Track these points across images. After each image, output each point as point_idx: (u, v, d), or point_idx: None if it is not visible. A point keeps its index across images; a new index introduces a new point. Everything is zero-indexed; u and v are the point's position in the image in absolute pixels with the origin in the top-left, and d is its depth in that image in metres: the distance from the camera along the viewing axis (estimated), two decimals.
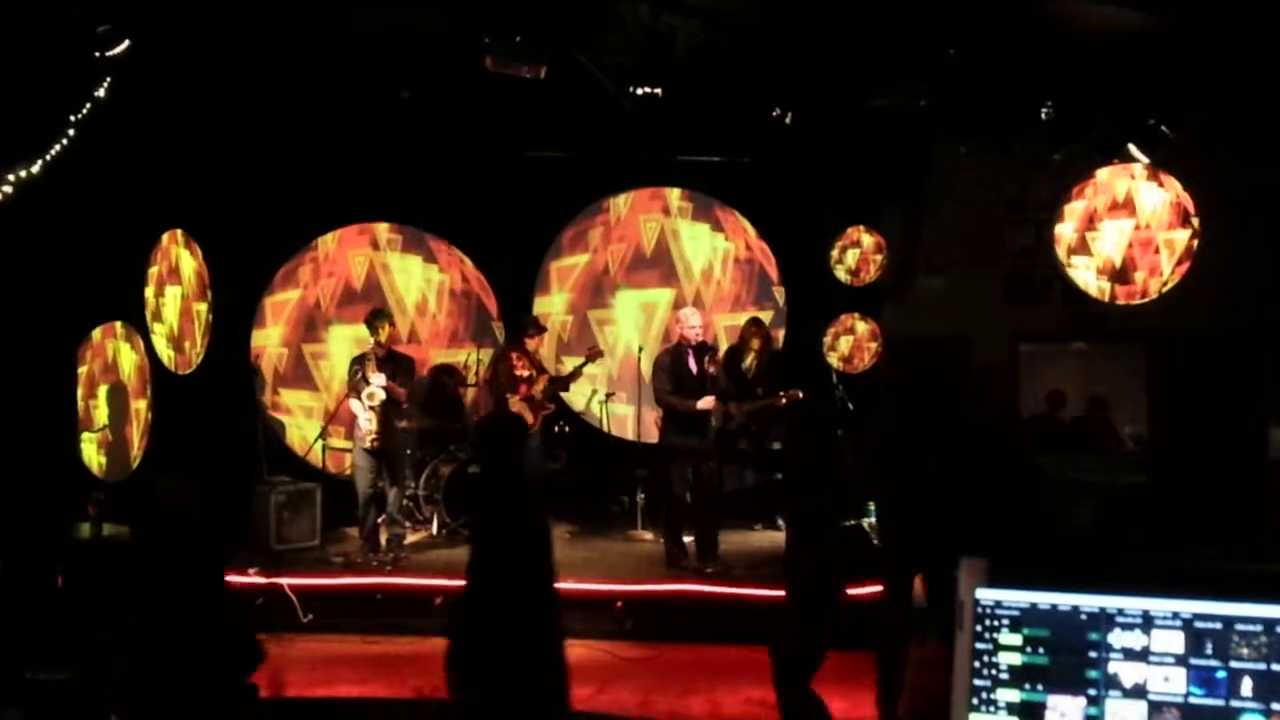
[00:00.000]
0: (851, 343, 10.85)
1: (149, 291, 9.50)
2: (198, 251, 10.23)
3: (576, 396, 11.51)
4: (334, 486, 9.98)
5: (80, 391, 8.64)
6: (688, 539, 9.07)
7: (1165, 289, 8.43)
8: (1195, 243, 8.29)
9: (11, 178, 7.17)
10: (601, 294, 11.98)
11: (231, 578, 8.49)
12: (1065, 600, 2.04)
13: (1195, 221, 8.28)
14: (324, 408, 11.19)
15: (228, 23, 7.65)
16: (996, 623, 2.07)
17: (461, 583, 5.55)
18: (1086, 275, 8.57)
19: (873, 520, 6.92)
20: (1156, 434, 10.98)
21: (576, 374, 10.32)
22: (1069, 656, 2.02)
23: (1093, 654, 2.01)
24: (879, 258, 10.76)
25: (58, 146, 7.39)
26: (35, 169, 7.28)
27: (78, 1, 7.03)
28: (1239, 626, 1.94)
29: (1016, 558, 2.12)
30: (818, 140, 9.79)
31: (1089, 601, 2.03)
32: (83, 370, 8.70)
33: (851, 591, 5.91)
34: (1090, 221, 8.51)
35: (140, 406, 9.41)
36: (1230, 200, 9.52)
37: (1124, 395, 11.32)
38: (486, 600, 5.31)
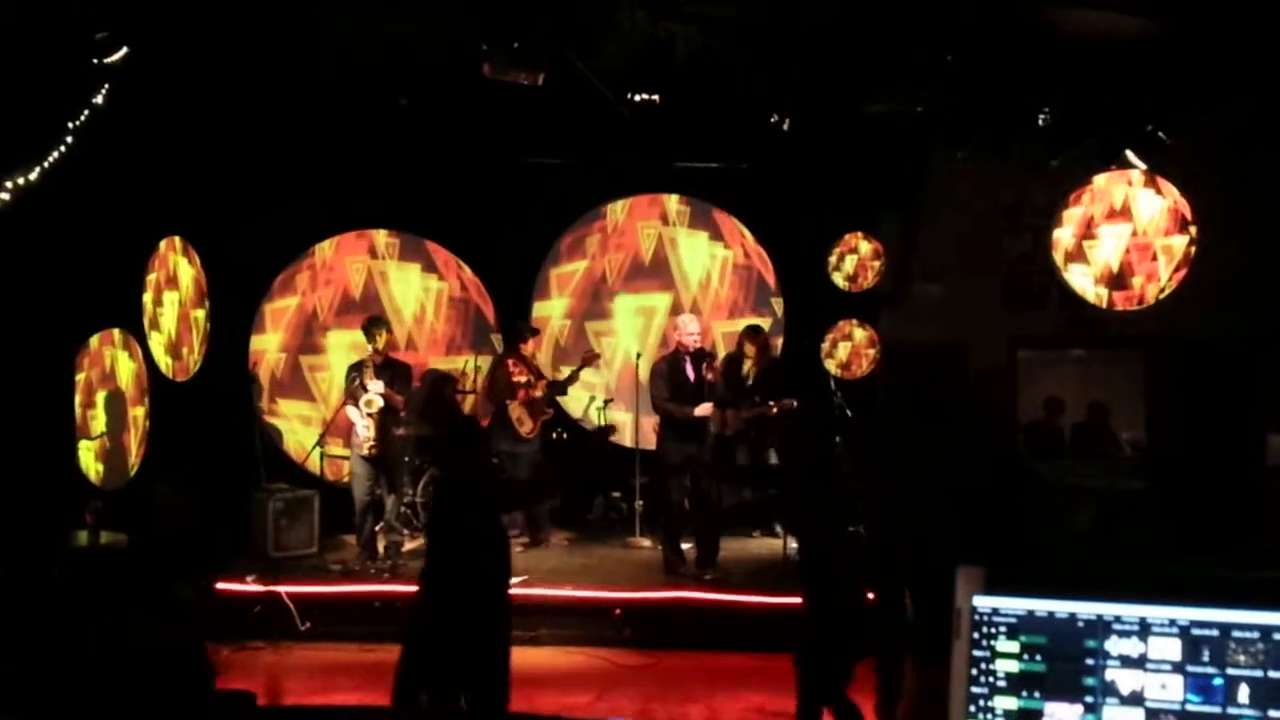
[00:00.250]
0: (849, 349, 10.86)
1: (147, 298, 9.50)
2: (195, 258, 10.24)
3: (574, 404, 11.51)
4: (332, 494, 9.97)
5: (78, 399, 8.63)
6: (686, 546, 9.06)
7: (1163, 295, 8.44)
8: (1193, 249, 8.30)
9: (10, 184, 7.17)
10: (600, 302, 11.98)
11: (228, 585, 8.52)
12: (1062, 607, 2.04)
13: (1193, 228, 8.29)
14: (322, 418, 11.19)
15: (226, 30, 7.66)
16: (994, 630, 2.06)
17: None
18: (1084, 281, 8.58)
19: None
20: (1154, 440, 10.97)
21: (574, 378, 10.33)
22: (1066, 664, 2.02)
23: (1090, 661, 2.01)
24: (877, 264, 10.77)
25: (56, 153, 7.39)
26: (33, 176, 7.28)
27: (76, 8, 7.03)
28: (1236, 633, 1.93)
29: (1014, 565, 2.12)
30: (815, 146, 9.80)
31: (1086, 609, 2.02)
32: (80, 377, 8.69)
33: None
34: (1088, 228, 8.52)
35: (138, 414, 9.40)
36: (1228, 206, 9.54)
37: (1122, 401, 11.31)
38: (441, 606, 5.32)
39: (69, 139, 7.42)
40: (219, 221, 10.18)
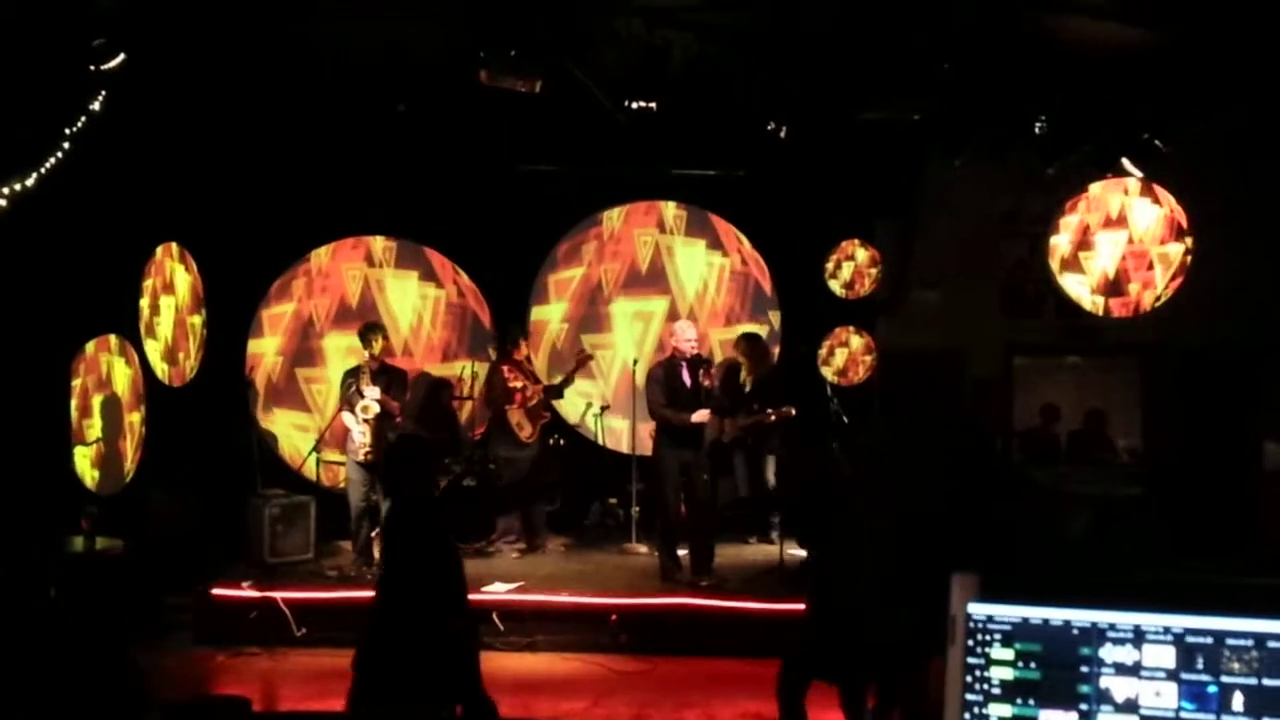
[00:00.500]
0: (846, 356, 10.87)
1: (144, 304, 9.51)
2: (192, 264, 10.24)
3: (571, 410, 11.51)
4: (328, 499, 9.96)
5: (74, 404, 8.63)
6: (682, 552, 9.05)
7: (1159, 303, 8.46)
8: (1189, 257, 8.32)
9: (7, 190, 7.17)
10: (597, 308, 11.96)
11: (224, 591, 8.51)
12: (1057, 615, 2.04)
13: (1189, 236, 8.31)
14: (317, 427, 11.16)
15: (222, 36, 7.66)
16: (988, 637, 2.06)
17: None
18: (1081, 289, 8.60)
19: None
20: (1151, 447, 10.98)
21: (568, 380, 10.32)
22: (1061, 671, 2.02)
23: (1084, 669, 2.01)
24: (874, 271, 10.78)
25: (52, 159, 7.39)
26: (30, 182, 7.29)
27: (74, 14, 7.04)
28: (1230, 641, 1.94)
29: (1009, 572, 2.12)
30: (812, 154, 9.81)
31: (1080, 616, 2.02)
32: (76, 383, 8.69)
33: None
34: (1084, 235, 8.54)
35: (134, 420, 9.39)
36: (1224, 214, 9.56)
37: (1119, 409, 11.32)
38: (394, 617, 5.33)
39: (66, 145, 7.42)
40: (216, 228, 10.18)
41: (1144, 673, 1.98)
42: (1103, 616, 2.01)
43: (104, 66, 7.18)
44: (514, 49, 7.57)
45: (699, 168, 11.29)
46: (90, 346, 8.90)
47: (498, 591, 8.42)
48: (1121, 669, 1.99)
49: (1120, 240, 8.47)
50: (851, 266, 10.81)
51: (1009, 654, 2.05)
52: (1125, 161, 8.45)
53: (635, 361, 10.91)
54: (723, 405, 9.47)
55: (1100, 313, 8.66)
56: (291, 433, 11.43)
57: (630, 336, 11.88)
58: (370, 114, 9.31)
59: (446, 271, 11.91)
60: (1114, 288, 8.49)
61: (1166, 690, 1.96)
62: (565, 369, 10.52)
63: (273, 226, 10.87)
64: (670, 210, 11.99)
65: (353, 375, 9.32)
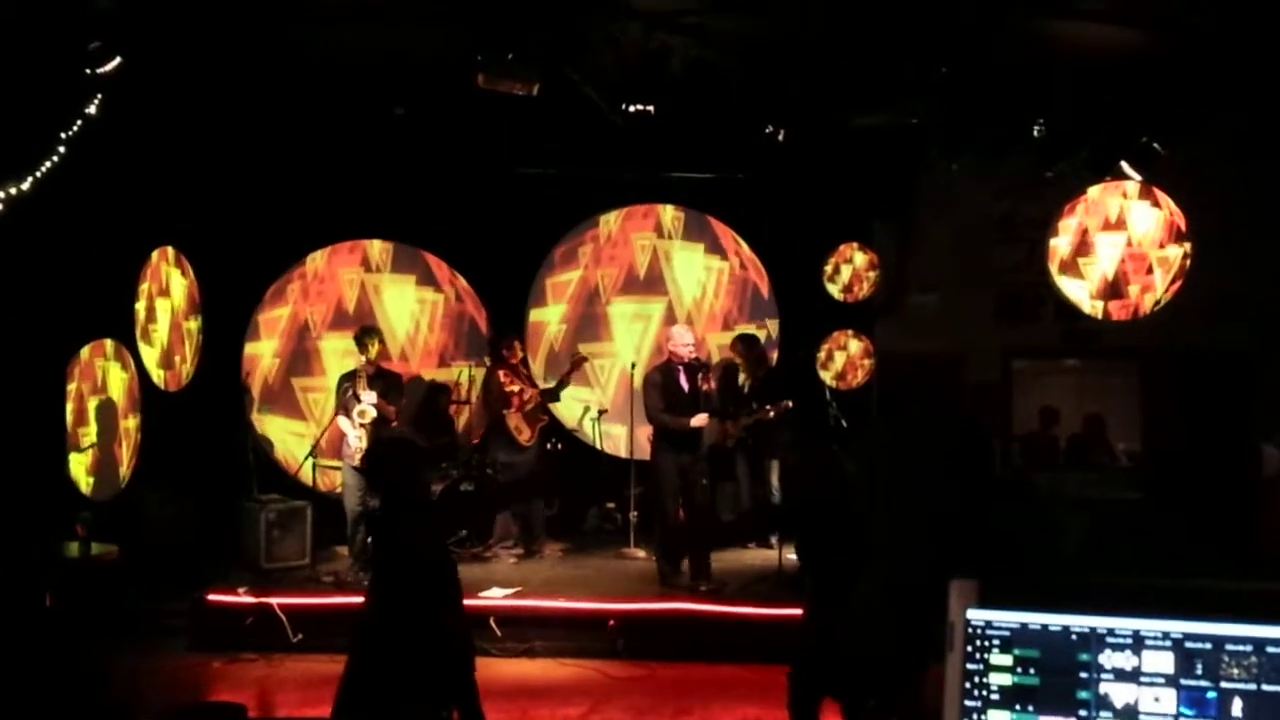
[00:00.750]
0: (845, 359, 10.86)
1: (139, 307, 9.50)
2: (188, 269, 10.23)
3: (568, 414, 11.50)
4: (324, 505, 9.94)
5: (69, 407, 8.61)
6: (680, 557, 9.04)
7: (1158, 306, 8.45)
8: (1188, 260, 8.31)
9: (2, 194, 7.16)
10: (594, 317, 11.94)
11: (220, 597, 8.49)
12: (1056, 620, 2.02)
13: (1188, 239, 8.30)
14: (314, 435, 11.14)
15: (219, 40, 7.65)
16: (987, 643, 2.05)
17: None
18: (1079, 292, 8.59)
19: None
20: (1150, 451, 10.98)
21: (564, 383, 10.33)
22: (1060, 677, 2.00)
23: (1083, 674, 1.99)
24: (872, 275, 10.78)
25: (48, 163, 7.38)
26: (25, 186, 7.27)
27: (69, 18, 7.03)
28: (1229, 647, 1.92)
29: (1007, 578, 2.11)
30: (810, 157, 9.81)
31: (1079, 622, 2.01)
32: (71, 388, 8.68)
33: None
34: (1083, 239, 8.53)
35: (129, 425, 9.38)
36: (1224, 218, 9.56)
37: (1117, 412, 11.32)
38: (389, 625, 5.30)
39: (61, 149, 7.41)
40: (212, 232, 10.17)
41: (1143, 678, 1.96)
42: (1101, 622, 2.00)
43: (100, 70, 7.17)
44: (511, 52, 7.57)
45: (697, 171, 11.29)
46: (85, 351, 8.89)
47: (495, 597, 8.41)
48: (1121, 674, 1.97)
49: (1119, 243, 8.47)
50: (850, 270, 10.81)
51: (1008, 660, 2.03)
52: (1124, 165, 8.45)
53: (633, 366, 10.90)
54: (721, 409, 9.46)
55: (1099, 316, 8.66)
56: (287, 439, 11.42)
57: (629, 340, 11.86)
58: (368, 117, 9.31)
59: (444, 275, 11.90)
60: (1113, 291, 8.48)
61: (1166, 696, 1.95)
62: (561, 372, 10.52)
63: (269, 230, 10.86)
64: (669, 214, 11.98)
65: (349, 380, 9.30)
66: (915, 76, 8.13)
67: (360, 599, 8.35)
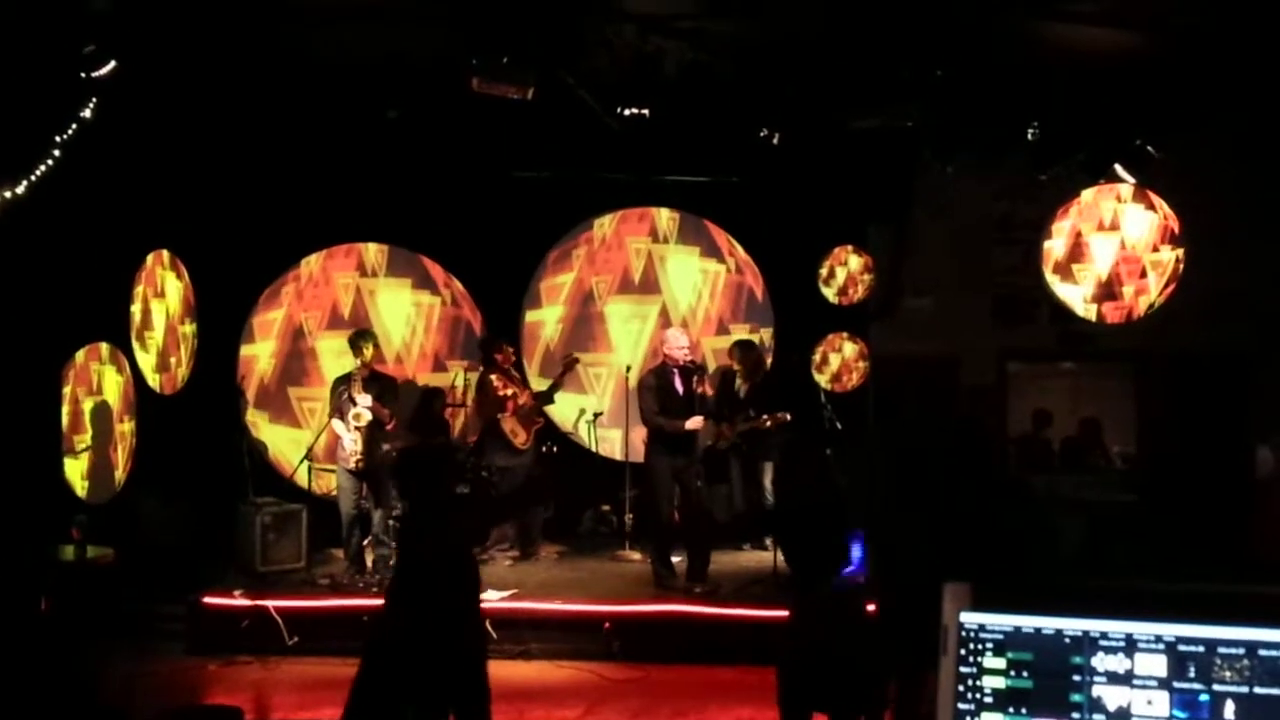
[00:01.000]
0: (840, 362, 10.86)
1: (135, 310, 9.49)
2: (183, 272, 10.23)
3: (564, 417, 11.50)
4: (320, 508, 9.93)
5: (65, 410, 8.61)
6: (676, 559, 9.05)
7: (1153, 309, 8.46)
8: (1182, 263, 8.32)
9: None
10: (590, 318, 11.94)
11: (216, 600, 8.49)
12: (1049, 623, 2.03)
13: (1182, 242, 8.32)
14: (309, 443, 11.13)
15: (213, 42, 7.65)
16: (980, 646, 2.05)
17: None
18: (1073, 295, 8.60)
19: None
20: (1145, 453, 10.99)
21: (558, 384, 10.33)
22: (1052, 680, 2.01)
23: (1076, 677, 2.00)
24: (867, 278, 10.78)
25: (43, 167, 7.38)
26: (20, 190, 7.27)
27: (64, 22, 7.02)
28: (1222, 649, 1.92)
29: (1000, 580, 2.12)
30: (805, 160, 9.81)
31: (1072, 625, 2.01)
32: (66, 391, 8.67)
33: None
34: (1077, 241, 8.54)
35: (125, 428, 9.37)
36: (1218, 220, 9.58)
37: (1112, 415, 11.34)
38: (408, 626, 5.30)
39: (56, 152, 7.40)
40: (207, 235, 10.17)
41: (1136, 681, 1.97)
42: (1094, 625, 2.00)
43: (95, 74, 7.16)
44: (506, 55, 7.57)
45: (692, 174, 11.30)
46: (80, 355, 8.88)
47: (491, 599, 8.38)
48: (1113, 678, 1.98)
49: (1113, 246, 8.48)
50: (845, 273, 10.81)
51: (1001, 663, 2.04)
52: (1118, 167, 8.46)
53: (629, 369, 10.90)
54: (716, 411, 9.46)
55: (1094, 319, 8.67)
56: (284, 446, 11.40)
57: (626, 340, 11.85)
58: (362, 120, 9.31)
59: (439, 278, 11.89)
60: (1107, 294, 8.49)
61: (1158, 699, 1.95)
62: (555, 374, 10.52)
63: (265, 233, 10.87)
64: (664, 216, 11.97)
65: (344, 383, 9.28)
66: (910, 79, 8.15)
67: (357, 601, 8.45)
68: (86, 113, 7.51)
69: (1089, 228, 8.52)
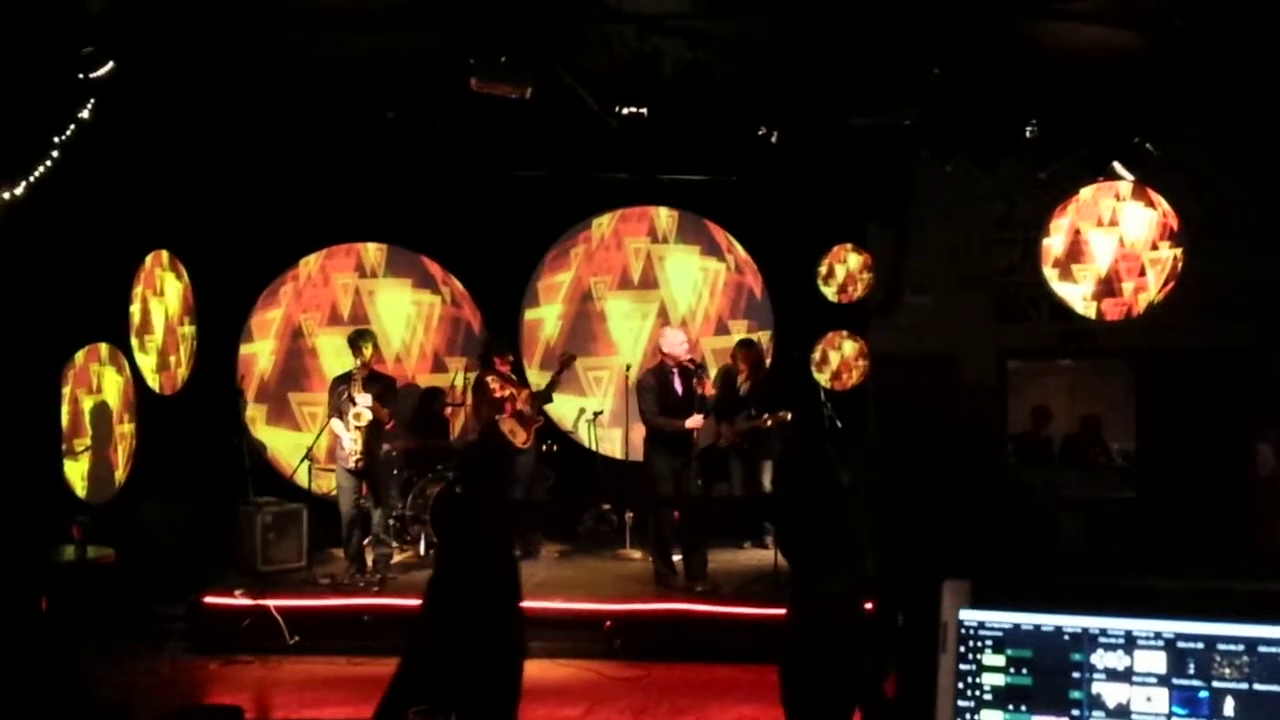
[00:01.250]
0: (839, 361, 10.86)
1: (134, 310, 9.49)
2: (183, 272, 10.23)
3: (565, 417, 11.50)
4: (320, 507, 9.94)
5: (65, 411, 8.60)
6: (676, 558, 9.05)
7: (1152, 306, 8.46)
8: (1181, 261, 8.32)
9: None
10: (589, 319, 11.93)
11: (216, 599, 8.49)
12: (1048, 621, 2.03)
13: (1182, 240, 8.32)
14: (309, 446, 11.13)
15: (212, 44, 7.65)
16: (980, 643, 2.06)
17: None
18: (1073, 293, 8.60)
19: None
20: (1145, 451, 10.99)
21: (555, 383, 10.34)
22: (1052, 677, 2.01)
23: (1076, 675, 2.00)
24: (866, 276, 10.77)
25: (42, 168, 7.37)
26: (19, 190, 7.26)
27: (62, 22, 7.02)
28: (1221, 646, 1.93)
29: (999, 578, 2.12)
30: (804, 159, 9.81)
31: (1071, 622, 2.02)
32: (66, 392, 8.66)
33: None
34: (1076, 239, 8.54)
35: (125, 429, 9.37)
36: (1217, 217, 9.58)
37: (1112, 412, 11.33)
38: (450, 622, 5.30)
39: (55, 153, 7.40)
40: (206, 235, 10.16)
41: (1135, 678, 1.97)
42: (1094, 622, 2.00)
43: (93, 74, 7.15)
44: (504, 55, 7.55)
45: (690, 173, 11.30)
46: (80, 355, 8.87)
47: None
48: (1113, 674, 1.98)
49: (1113, 244, 8.48)
50: (844, 271, 10.80)
51: (1000, 660, 2.04)
52: (1117, 165, 8.46)
53: (629, 367, 10.91)
54: (716, 409, 9.47)
55: (1093, 316, 8.67)
56: (285, 449, 11.40)
57: (626, 338, 11.85)
58: (361, 121, 9.30)
59: (439, 277, 11.89)
60: (1106, 291, 8.49)
61: (1158, 695, 1.96)
62: (552, 372, 10.53)
63: (264, 234, 10.87)
64: (663, 215, 11.97)
65: (344, 382, 9.27)
66: (909, 77, 8.14)
67: (358, 600, 8.46)
68: (85, 113, 7.50)
69: (1088, 225, 8.52)
